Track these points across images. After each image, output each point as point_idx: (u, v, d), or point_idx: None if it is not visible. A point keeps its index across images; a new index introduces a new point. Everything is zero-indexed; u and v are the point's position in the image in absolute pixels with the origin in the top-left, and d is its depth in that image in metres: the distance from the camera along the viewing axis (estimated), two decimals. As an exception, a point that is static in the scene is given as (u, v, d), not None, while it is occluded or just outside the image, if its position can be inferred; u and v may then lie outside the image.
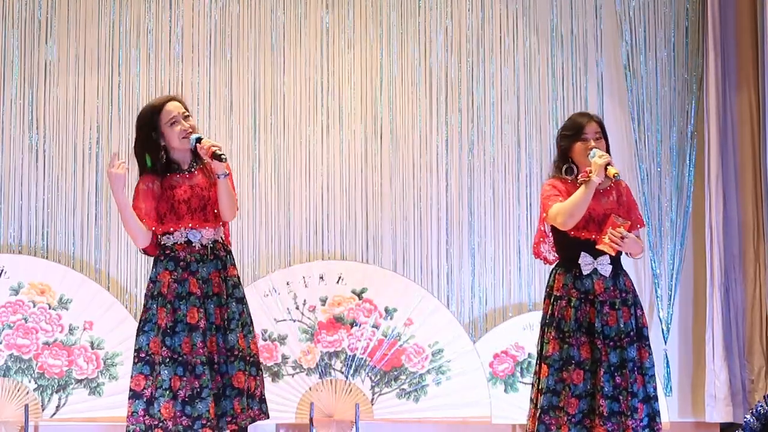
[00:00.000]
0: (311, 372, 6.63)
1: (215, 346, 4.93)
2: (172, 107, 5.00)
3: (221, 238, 5.06)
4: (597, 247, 4.99)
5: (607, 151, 5.08)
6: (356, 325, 6.69)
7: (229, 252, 5.08)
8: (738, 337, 6.97)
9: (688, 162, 7.04)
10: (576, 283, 5.03)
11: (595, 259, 5.02)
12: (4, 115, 6.87)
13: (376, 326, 6.69)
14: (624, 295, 5.02)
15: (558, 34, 7.08)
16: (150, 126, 5.01)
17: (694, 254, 7.06)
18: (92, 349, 6.59)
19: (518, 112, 7.04)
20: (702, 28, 7.06)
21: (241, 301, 5.05)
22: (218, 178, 4.96)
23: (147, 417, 4.86)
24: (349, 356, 6.65)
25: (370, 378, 6.65)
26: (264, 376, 6.47)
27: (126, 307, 6.68)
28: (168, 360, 4.85)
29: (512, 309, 6.92)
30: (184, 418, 4.84)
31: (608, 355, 4.94)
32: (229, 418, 4.89)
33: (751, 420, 5.54)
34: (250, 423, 4.95)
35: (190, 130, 4.98)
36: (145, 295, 4.99)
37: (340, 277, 6.76)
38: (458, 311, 6.89)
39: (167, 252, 4.97)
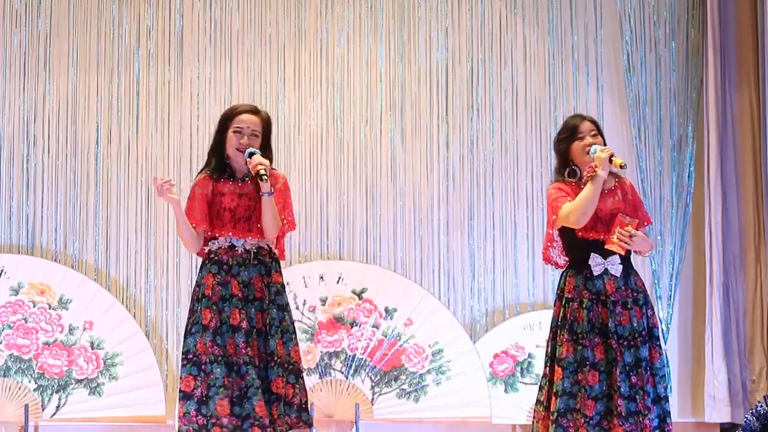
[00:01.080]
0: (311, 372, 6.63)
1: (256, 350, 4.98)
2: (247, 119, 5.09)
3: (267, 245, 5.12)
4: (606, 247, 4.99)
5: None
6: (356, 325, 6.69)
7: (276, 259, 5.14)
8: (738, 337, 6.97)
9: (688, 162, 7.04)
10: (587, 284, 5.02)
11: (605, 259, 5.01)
12: (3, 114, 6.86)
13: (376, 326, 6.69)
14: (635, 294, 5.02)
15: (558, 34, 7.08)
16: (221, 126, 5.12)
17: (694, 254, 7.06)
18: (92, 349, 6.59)
19: (518, 112, 7.04)
20: (702, 28, 7.06)
21: (284, 308, 5.09)
22: (262, 195, 5.02)
23: (200, 417, 4.89)
24: (349, 356, 6.65)
25: (370, 378, 6.65)
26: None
27: (126, 307, 6.68)
28: (220, 359, 4.90)
29: (512, 309, 6.92)
30: (233, 418, 4.88)
31: (623, 354, 4.93)
32: (252, 420, 4.90)
33: (752, 420, 5.54)
34: (287, 430, 4.97)
35: (246, 146, 5.05)
36: (192, 299, 5.07)
37: (340, 277, 6.76)
38: (458, 311, 6.90)
39: (211, 256, 5.06)
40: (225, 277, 5.01)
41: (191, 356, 4.95)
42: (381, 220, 6.96)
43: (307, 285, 6.73)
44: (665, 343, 6.93)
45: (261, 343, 4.99)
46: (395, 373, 6.66)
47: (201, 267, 5.11)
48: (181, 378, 4.95)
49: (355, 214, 6.96)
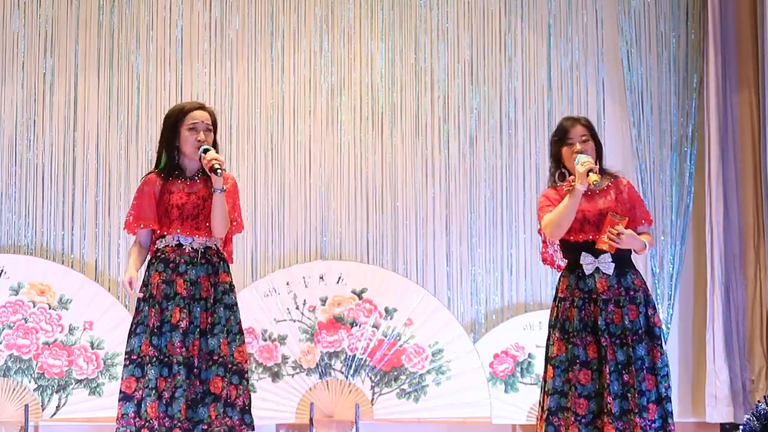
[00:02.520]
0: (311, 372, 6.63)
1: (197, 349, 4.94)
2: (199, 115, 5.06)
3: (215, 245, 5.08)
4: (597, 246, 4.99)
5: (599, 151, 5.07)
6: (356, 325, 6.68)
7: (224, 259, 5.10)
8: (738, 338, 6.97)
9: (688, 162, 7.04)
10: (579, 283, 5.03)
11: (596, 258, 5.01)
12: (3, 114, 6.87)
13: (376, 326, 6.69)
14: (632, 293, 5.00)
15: (558, 34, 7.08)
16: (172, 125, 5.07)
17: (694, 254, 7.06)
18: (92, 349, 6.59)
19: (518, 112, 7.04)
20: (702, 28, 7.06)
21: (231, 308, 5.03)
22: (214, 191, 4.99)
23: (137, 419, 4.87)
24: (349, 356, 6.65)
25: (370, 378, 6.64)
26: (264, 376, 6.50)
27: (126, 307, 6.68)
28: (155, 360, 4.89)
29: (512, 309, 6.92)
30: (167, 419, 4.87)
31: (615, 353, 4.93)
32: (205, 426, 4.88)
33: (752, 420, 5.54)
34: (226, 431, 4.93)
35: (203, 142, 5.02)
36: (138, 298, 5.03)
37: (340, 277, 6.76)
38: (458, 311, 6.89)
39: (158, 254, 5.04)
40: (171, 276, 4.97)
41: (135, 357, 4.92)
42: (381, 220, 6.96)
43: (307, 285, 6.73)
44: (665, 343, 6.93)
45: (203, 342, 4.95)
46: (395, 373, 6.66)
47: (148, 265, 5.07)
48: (122, 378, 4.93)
49: (355, 214, 6.96)
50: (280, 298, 6.69)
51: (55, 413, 6.51)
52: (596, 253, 5.01)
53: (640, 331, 4.97)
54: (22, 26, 6.91)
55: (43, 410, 6.50)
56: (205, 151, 4.99)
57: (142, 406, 4.87)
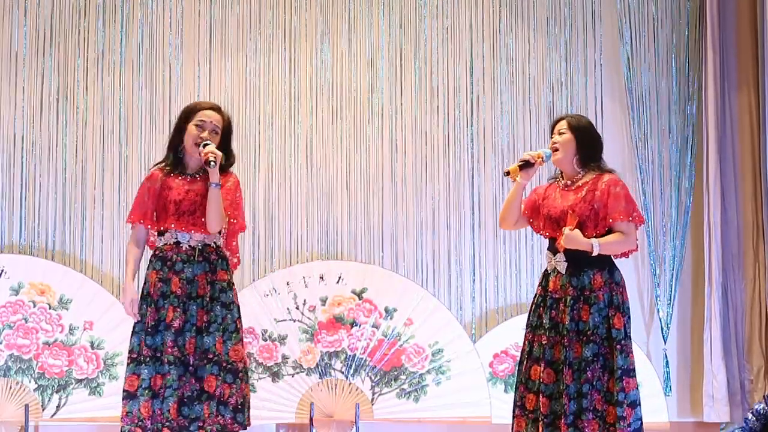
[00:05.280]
0: (311, 372, 6.63)
1: (193, 347, 4.95)
2: (210, 114, 5.09)
3: (215, 243, 5.08)
4: (557, 244, 5.03)
5: (581, 145, 5.03)
6: (356, 325, 6.69)
7: (223, 257, 5.10)
8: (737, 338, 6.98)
9: (688, 162, 7.05)
10: (543, 281, 5.10)
11: (554, 255, 5.03)
12: (2, 114, 6.86)
13: (376, 326, 6.69)
14: (587, 293, 4.94)
15: (558, 34, 7.09)
16: (182, 120, 5.11)
17: (693, 254, 7.07)
18: (92, 349, 6.58)
19: (518, 112, 7.05)
20: (701, 28, 7.07)
21: (228, 306, 5.04)
22: (210, 186, 5.01)
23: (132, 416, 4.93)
24: (349, 356, 6.65)
25: (370, 378, 6.65)
26: (264, 376, 6.50)
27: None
28: (149, 359, 4.92)
29: (512, 309, 6.93)
30: (162, 416, 4.90)
31: (562, 352, 4.92)
32: (200, 423, 4.90)
33: (751, 420, 5.54)
34: (218, 430, 4.92)
35: (206, 140, 5.03)
36: (140, 296, 5.07)
37: (340, 277, 6.76)
38: (458, 311, 6.90)
39: (157, 252, 5.08)
40: (167, 274, 5.00)
41: (135, 355, 4.96)
42: (381, 220, 6.96)
43: (307, 285, 6.73)
44: (665, 342, 6.95)
45: (198, 340, 4.96)
46: (395, 373, 6.66)
47: (148, 264, 5.11)
48: (125, 377, 4.96)
49: (355, 214, 6.96)
50: (280, 297, 6.69)
51: (55, 413, 6.50)
52: (555, 252, 5.03)
53: (590, 333, 4.91)
54: (21, 25, 6.90)
55: (43, 410, 6.49)
56: (204, 145, 5.01)
57: (137, 404, 4.90)
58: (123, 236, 6.80)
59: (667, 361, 6.93)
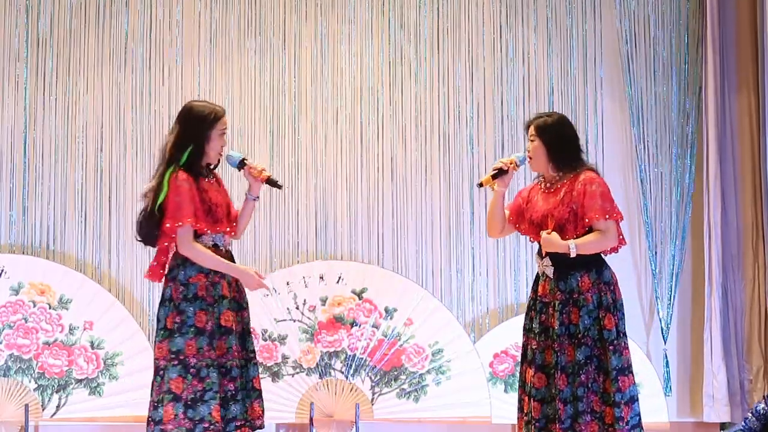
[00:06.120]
0: (311, 372, 6.63)
1: (242, 350, 5.01)
2: (226, 121, 5.03)
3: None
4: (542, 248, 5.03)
5: (552, 149, 5.01)
6: (356, 325, 6.69)
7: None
8: (737, 338, 6.98)
9: (688, 162, 7.05)
10: (534, 284, 5.11)
11: (542, 260, 5.03)
12: (2, 115, 6.86)
13: (376, 326, 6.69)
14: (576, 295, 4.92)
15: (557, 34, 7.09)
16: (204, 126, 4.95)
17: (693, 254, 7.07)
18: (92, 349, 6.58)
19: (518, 113, 7.04)
20: (701, 29, 7.07)
21: (247, 308, 5.13)
22: (252, 199, 5.10)
23: (186, 420, 4.83)
24: (349, 356, 6.65)
25: (370, 378, 6.65)
26: (264, 376, 6.51)
27: (126, 307, 6.68)
28: (215, 363, 4.86)
29: (512, 309, 6.93)
30: (222, 421, 4.88)
31: (553, 356, 4.92)
32: (239, 423, 4.90)
33: (751, 420, 5.54)
34: (259, 426, 5.01)
35: (243, 156, 5.12)
36: (172, 297, 4.91)
37: (340, 277, 6.76)
38: (458, 311, 6.90)
39: None
40: (214, 278, 4.93)
41: (182, 357, 4.86)
42: (381, 220, 6.96)
43: (307, 285, 6.73)
44: (665, 342, 6.95)
45: (241, 342, 5.00)
46: (395, 373, 6.66)
47: (181, 265, 4.92)
48: (171, 378, 4.85)
49: (355, 214, 6.97)
50: (280, 297, 6.69)
51: (55, 413, 6.50)
52: (542, 256, 5.03)
53: (581, 335, 4.90)
54: (22, 25, 6.90)
55: (43, 410, 6.49)
56: (243, 162, 5.06)
57: (203, 408, 4.82)
58: (123, 236, 6.80)
59: (667, 361, 6.93)
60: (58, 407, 6.50)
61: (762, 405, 5.46)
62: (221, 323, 4.91)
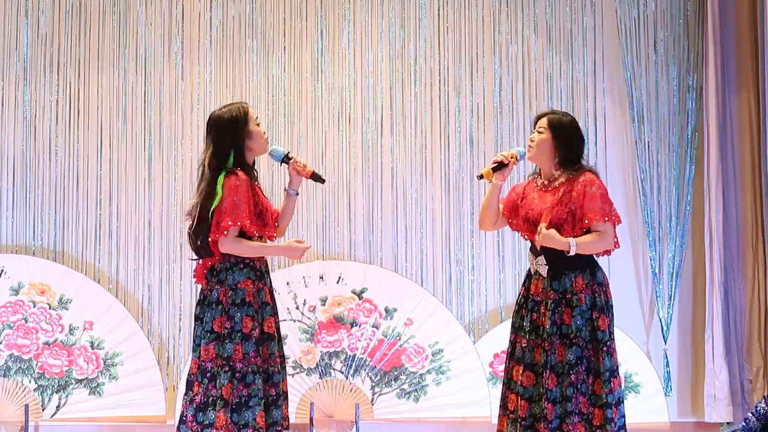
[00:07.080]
0: (311, 372, 6.63)
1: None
2: (253, 111, 4.99)
3: None
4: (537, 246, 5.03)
5: (561, 145, 5.01)
6: (356, 325, 6.69)
7: None
8: (737, 337, 6.98)
9: (688, 162, 7.05)
10: (526, 281, 5.09)
11: (536, 258, 5.02)
12: (5, 115, 6.87)
13: (376, 326, 6.69)
14: (569, 296, 4.92)
15: (557, 34, 7.09)
16: (238, 124, 4.88)
17: (694, 254, 7.07)
18: (92, 349, 6.59)
19: (518, 113, 7.05)
20: (702, 29, 7.07)
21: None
22: (294, 194, 5.06)
23: (231, 424, 4.84)
24: (349, 356, 6.65)
25: (370, 378, 6.65)
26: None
27: (126, 307, 6.68)
28: (261, 369, 4.87)
29: (512, 309, 6.90)
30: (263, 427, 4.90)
31: (542, 356, 4.91)
32: (279, 428, 4.92)
33: (752, 420, 5.54)
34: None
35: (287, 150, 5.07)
36: (218, 301, 4.88)
37: (340, 277, 6.76)
38: (458, 311, 6.90)
39: (245, 260, 4.90)
40: (259, 284, 4.91)
41: (232, 363, 4.83)
42: (381, 220, 6.97)
43: (307, 285, 6.73)
44: (665, 342, 6.94)
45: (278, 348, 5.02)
46: (395, 373, 6.66)
47: (230, 269, 4.88)
48: (223, 385, 4.81)
49: (355, 214, 6.97)
50: (280, 297, 6.68)
51: (55, 413, 6.51)
52: (537, 253, 5.02)
53: (573, 336, 4.89)
54: (22, 26, 6.91)
55: (43, 410, 6.50)
56: (287, 156, 5.01)
57: (248, 414, 4.82)
58: (123, 237, 6.81)
59: (667, 361, 6.93)
60: (58, 407, 6.51)
61: (762, 405, 5.46)
62: (264, 329, 4.90)
